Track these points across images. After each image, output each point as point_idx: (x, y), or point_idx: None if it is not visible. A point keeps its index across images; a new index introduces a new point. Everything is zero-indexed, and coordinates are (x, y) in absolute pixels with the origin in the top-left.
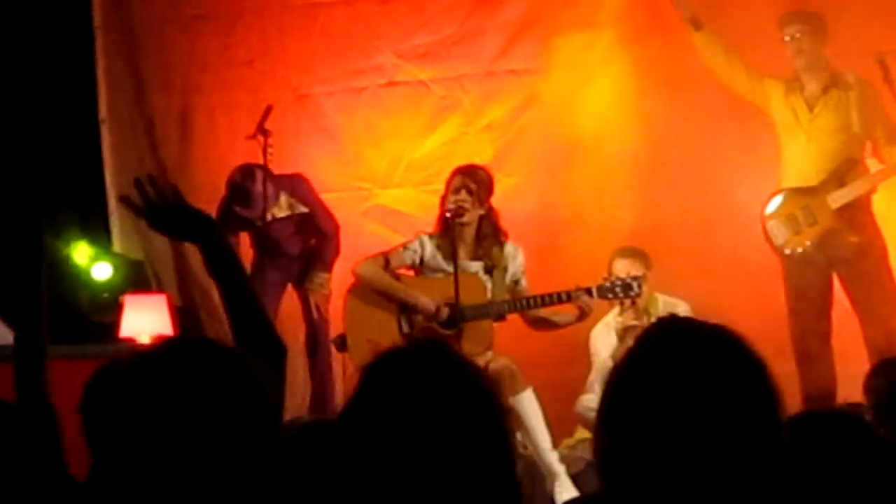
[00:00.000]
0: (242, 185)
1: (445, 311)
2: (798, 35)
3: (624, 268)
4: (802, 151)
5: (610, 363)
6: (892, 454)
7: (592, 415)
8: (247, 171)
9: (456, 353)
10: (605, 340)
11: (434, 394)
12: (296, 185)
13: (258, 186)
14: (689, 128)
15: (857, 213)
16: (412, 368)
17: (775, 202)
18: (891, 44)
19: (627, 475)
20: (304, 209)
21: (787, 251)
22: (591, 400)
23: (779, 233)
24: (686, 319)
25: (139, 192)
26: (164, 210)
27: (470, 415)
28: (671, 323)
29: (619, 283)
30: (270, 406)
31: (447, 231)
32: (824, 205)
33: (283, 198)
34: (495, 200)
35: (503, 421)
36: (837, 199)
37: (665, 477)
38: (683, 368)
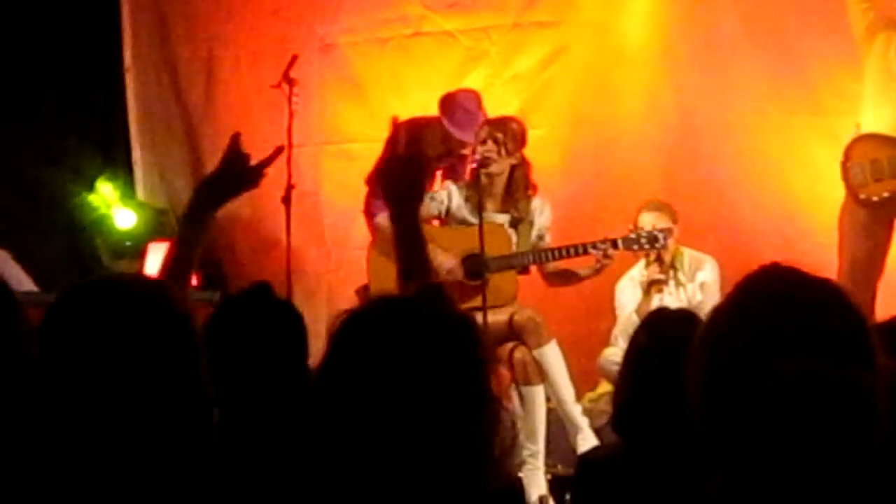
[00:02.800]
0: (468, 107)
1: (461, 272)
2: None
3: (650, 221)
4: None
5: (634, 318)
6: None
7: (615, 368)
8: (476, 97)
9: (433, 304)
10: (629, 294)
11: (405, 348)
12: None
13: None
14: (718, 79)
15: None
16: (382, 322)
17: (862, 144)
18: None
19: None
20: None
21: (863, 196)
22: (614, 354)
23: (859, 175)
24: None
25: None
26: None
27: (443, 368)
28: (774, 271)
29: (644, 235)
30: (193, 340)
31: (476, 182)
32: None
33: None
34: None
35: (479, 374)
36: None
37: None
38: (783, 319)
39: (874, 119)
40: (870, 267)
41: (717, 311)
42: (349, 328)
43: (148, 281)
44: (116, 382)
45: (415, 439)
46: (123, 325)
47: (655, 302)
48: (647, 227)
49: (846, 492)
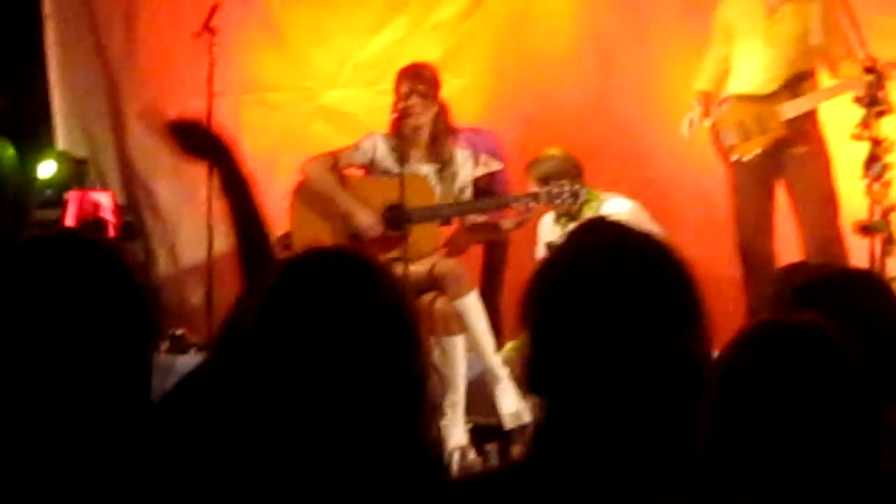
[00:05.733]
0: None
1: (380, 228)
2: None
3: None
4: (757, 57)
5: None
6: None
7: None
8: None
9: (363, 258)
10: (545, 229)
11: (336, 303)
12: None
13: None
14: (639, 30)
15: (805, 124)
16: (314, 275)
17: (725, 107)
18: None
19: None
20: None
21: (735, 157)
22: None
23: (728, 138)
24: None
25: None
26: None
27: (372, 325)
28: (600, 227)
29: (567, 189)
30: (139, 294)
31: (400, 133)
32: (775, 114)
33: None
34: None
35: (408, 333)
36: (790, 109)
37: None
38: (604, 269)
39: (736, 78)
40: (756, 225)
41: (543, 265)
42: (286, 280)
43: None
44: (61, 335)
45: (349, 395)
46: (76, 282)
47: None
48: (533, 188)
49: (666, 457)
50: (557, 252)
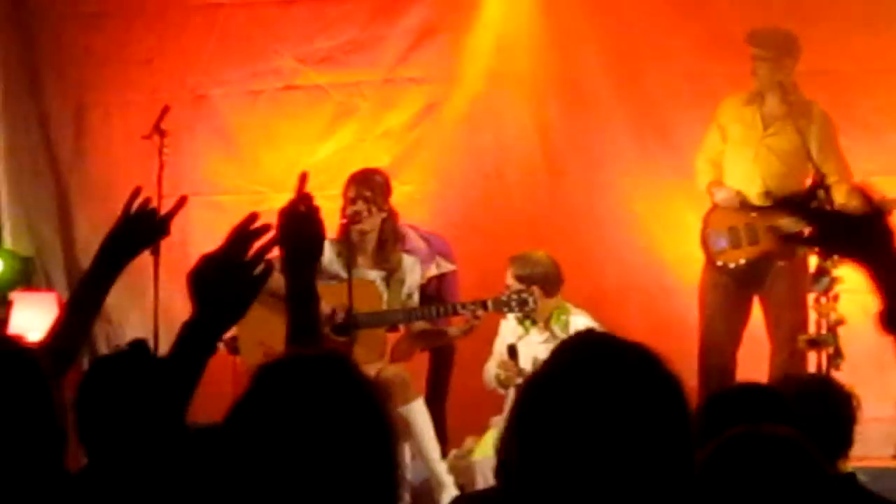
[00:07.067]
0: None
1: (341, 315)
2: (754, 57)
3: (509, 274)
4: (748, 167)
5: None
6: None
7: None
8: None
9: (352, 365)
10: (508, 326)
11: (324, 405)
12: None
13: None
14: (588, 139)
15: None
16: (305, 376)
17: (718, 210)
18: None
19: (533, 482)
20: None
21: (720, 262)
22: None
23: (717, 242)
24: (604, 336)
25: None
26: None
27: (359, 431)
28: (589, 338)
29: (515, 297)
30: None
31: (347, 238)
32: (767, 227)
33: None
34: None
35: (392, 440)
36: (790, 225)
37: (571, 487)
38: (600, 383)
39: (728, 178)
40: (727, 333)
41: (532, 380)
42: (267, 379)
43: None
44: None
45: (328, 496)
46: None
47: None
48: (509, 281)
49: None
50: (554, 365)
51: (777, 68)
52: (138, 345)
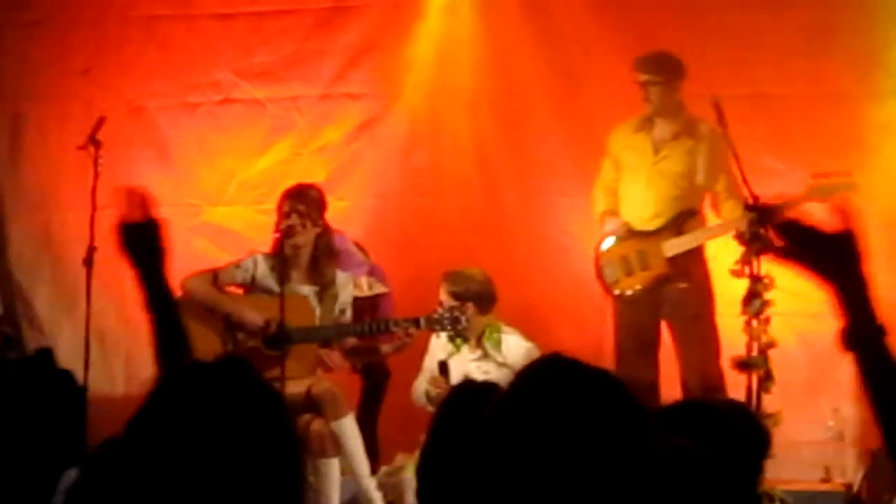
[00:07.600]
0: None
1: (274, 326)
2: (646, 83)
3: (442, 291)
4: (641, 193)
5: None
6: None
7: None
8: None
9: (253, 368)
10: (438, 342)
11: (226, 412)
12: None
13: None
14: (523, 158)
15: (689, 260)
16: (205, 380)
17: (609, 242)
18: (729, 88)
19: None
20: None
21: (617, 292)
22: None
23: (611, 273)
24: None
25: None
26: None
27: (260, 437)
28: (553, 362)
29: (447, 316)
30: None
31: (280, 253)
32: (658, 251)
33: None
34: None
35: (295, 449)
36: (672, 247)
37: None
38: (561, 408)
39: (623, 205)
40: (640, 362)
41: (497, 404)
42: (167, 385)
43: None
44: None
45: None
46: None
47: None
48: (443, 297)
49: None
50: (507, 395)
51: (668, 90)
52: (43, 353)
